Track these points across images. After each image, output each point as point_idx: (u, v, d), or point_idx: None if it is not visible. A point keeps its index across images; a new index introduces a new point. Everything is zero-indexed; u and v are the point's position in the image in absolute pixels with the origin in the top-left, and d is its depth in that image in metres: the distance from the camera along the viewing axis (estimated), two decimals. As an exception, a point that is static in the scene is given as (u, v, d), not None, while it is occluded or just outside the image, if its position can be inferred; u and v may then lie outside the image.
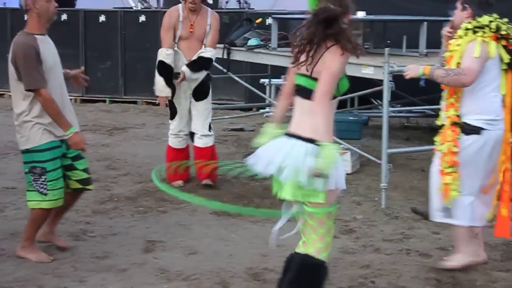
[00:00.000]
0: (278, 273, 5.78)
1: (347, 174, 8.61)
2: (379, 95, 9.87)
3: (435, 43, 9.23)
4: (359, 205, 7.64)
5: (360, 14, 9.21)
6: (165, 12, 12.90)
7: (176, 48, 8.19)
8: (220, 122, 11.31)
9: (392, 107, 8.37)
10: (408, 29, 9.39)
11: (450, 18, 6.31)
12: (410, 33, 9.27)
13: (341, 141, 8.93)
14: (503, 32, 5.78)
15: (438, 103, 9.61)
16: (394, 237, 6.73)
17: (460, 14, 6.03)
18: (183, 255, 6.26)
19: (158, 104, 8.49)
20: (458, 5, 6.04)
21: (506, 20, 5.87)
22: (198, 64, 8.07)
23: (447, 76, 5.73)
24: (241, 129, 11.58)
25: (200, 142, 8.30)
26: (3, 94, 14.67)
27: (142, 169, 9.00)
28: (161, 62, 8.08)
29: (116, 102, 13.81)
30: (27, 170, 6.09)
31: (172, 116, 8.40)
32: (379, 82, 7.99)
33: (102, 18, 13.66)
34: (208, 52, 8.08)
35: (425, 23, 9.10)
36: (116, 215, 7.32)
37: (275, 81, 11.72)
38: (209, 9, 8.41)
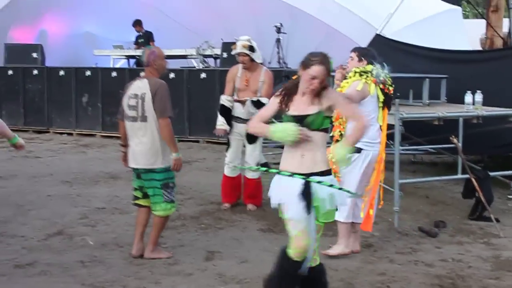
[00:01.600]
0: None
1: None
2: (391, 137, 9.84)
3: (435, 95, 9.23)
4: (376, 224, 7.54)
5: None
6: (221, 70, 13.07)
7: (235, 97, 8.23)
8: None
9: (402, 146, 8.31)
10: (414, 84, 9.36)
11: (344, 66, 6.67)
12: (415, 87, 9.23)
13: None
14: (381, 78, 6.31)
15: (439, 143, 9.63)
16: (405, 250, 6.67)
17: (356, 64, 6.44)
18: (237, 263, 6.24)
19: (217, 135, 8.47)
20: (355, 56, 6.46)
21: (386, 70, 6.41)
22: (256, 103, 8.02)
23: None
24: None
25: (248, 174, 8.30)
26: (95, 134, 14.82)
27: (203, 194, 9.02)
28: (222, 105, 8.15)
29: (182, 141, 13.86)
30: (159, 186, 6.18)
31: (227, 149, 8.41)
32: (391, 126, 7.94)
33: (172, 75, 13.75)
34: (264, 99, 8.05)
35: (427, 79, 9.07)
36: (183, 230, 7.33)
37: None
38: (264, 67, 8.37)
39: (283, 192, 4.61)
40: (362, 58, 6.44)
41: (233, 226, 7.51)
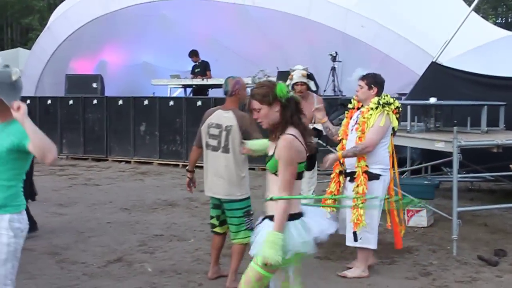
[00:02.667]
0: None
1: (423, 227, 8.58)
2: (448, 164, 9.73)
3: (493, 122, 9.10)
4: (434, 253, 7.47)
5: (432, 100, 9.13)
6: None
7: None
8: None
9: (459, 173, 8.21)
10: (472, 111, 9.25)
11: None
12: (473, 114, 9.13)
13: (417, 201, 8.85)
14: (398, 106, 6.51)
15: (496, 171, 9.48)
16: (464, 279, 6.55)
17: (366, 92, 6.58)
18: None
19: None
20: (364, 85, 6.58)
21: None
22: (314, 131, 8.02)
23: (355, 152, 6.47)
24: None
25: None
26: (153, 162, 15.00)
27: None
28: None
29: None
30: (241, 214, 6.29)
31: None
32: (449, 154, 7.86)
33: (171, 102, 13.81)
34: (319, 126, 8.06)
35: (485, 107, 8.96)
36: (244, 257, 7.33)
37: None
38: (315, 94, 8.40)
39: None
40: (372, 86, 6.60)
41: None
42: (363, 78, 6.68)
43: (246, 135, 5.96)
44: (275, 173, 4.25)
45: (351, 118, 6.79)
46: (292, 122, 4.27)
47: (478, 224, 8.90)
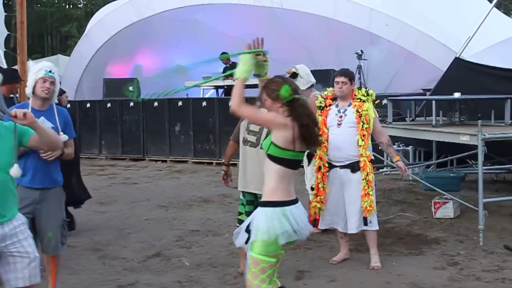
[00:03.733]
0: (400, 296, 5.71)
1: (450, 218, 8.51)
2: (473, 157, 9.63)
3: (517, 115, 8.99)
4: (461, 243, 7.40)
5: (457, 95, 9.04)
6: (305, 97, 13.01)
7: None
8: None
9: (484, 165, 8.12)
10: (495, 104, 9.14)
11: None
12: (497, 108, 9.02)
13: (444, 193, 8.78)
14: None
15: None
16: (491, 268, 6.47)
17: (350, 87, 6.61)
18: (326, 281, 6.19)
19: None
20: (347, 80, 6.58)
21: None
22: None
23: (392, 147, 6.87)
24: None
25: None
26: (187, 161, 15.06)
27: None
28: None
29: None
30: None
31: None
32: (474, 147, 7.77)
33: (259, 103, 13.83)
34: None
35: (509, 100, 8.84)
36: (273, 251, 7.33)
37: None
38: (314, 92, 8.13)
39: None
40: (352, 81, 6.69)
41: (321, 246, 7.47)
42: (343, 74, 6.63)
43: None
44: (267, 154, 4.28)
45: (326, 116, 6.67)
46: (298, 119, 4.25)
47: (504, 215, 8.79)
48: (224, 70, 17.47)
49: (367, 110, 6.52)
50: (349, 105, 6.60)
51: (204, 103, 15.16)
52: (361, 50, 14.90)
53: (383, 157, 10.86)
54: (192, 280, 6.31)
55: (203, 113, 14.97)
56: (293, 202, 4.31)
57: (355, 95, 6.62)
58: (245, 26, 17.78)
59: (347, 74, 6.66)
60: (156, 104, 15.78)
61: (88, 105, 16.82)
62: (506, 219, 8.56)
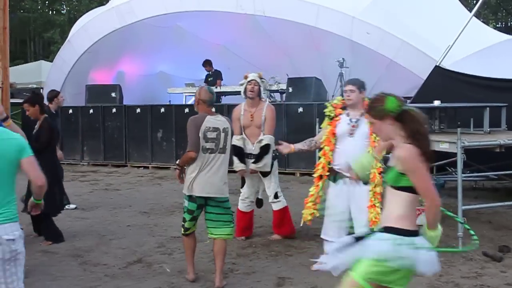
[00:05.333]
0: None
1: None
2: (453, 164, 9.69)
3: (495, 123, 9.06)
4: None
5: (436, 102, 9.11)
6: (287, 104, 13.11)
7: (243, 135, 8.12)
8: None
9: (463, 173, 8.18)
10: (474, 113, 9.21)
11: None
12: (476, 116, 9.09)
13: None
14: None
15: (499, 170, 9.42)
16: (470, 275, 6.52)
17: (359, 95, 6.46)
18: (306, 288, 6.22)
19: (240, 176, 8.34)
20: (355, 89, 6.44)
21: None
22: (259, 156, 7.94)
23: None
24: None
25: (272, 205, 8.26)
26: (169, 167, 15.00)
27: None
28: (233, 145, 7.66)
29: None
30: (230, 211, 6.45)
31: (242, 185, 8.33)
32: (453, 154, 7.82)
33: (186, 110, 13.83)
34: (265, 139, 7.97)
35: (488, 108, 8.92)
36: (254, 257, 7.34)
37: (371, 154, 11.60)
38: (267, 103, 8.34)
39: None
40: (361, 89, 6.53)
41: (302, 252, 7.48)
42: (352, 83, 6.56)
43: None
44: (394, 186, 4.01)
45: (335, 126, 6.60)
46: (414, 138, 3.98)
47: (483, 222, 8.86)
48: (206, 77, 17.51)
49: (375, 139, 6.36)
50: (361, 115, 6.43)
51: (186, 110, 15.10)
52: (343, 58, 14.97)
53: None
54: (173, 287, 6.30)
55: (186, 120, 14.73)
56: (418, 233, 4.04)
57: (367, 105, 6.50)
58: (227, 33, 17.84)
59: (355, 82, 6.57)
60: (138, 110, 15.74)
61: (71, 111, 16.71)
62: (485, 226, 8.62)
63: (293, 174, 13.52)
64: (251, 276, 6.61)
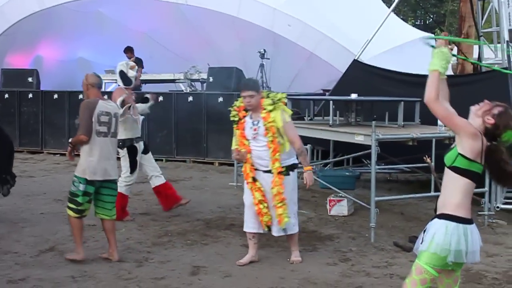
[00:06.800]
0: (292, 291, 5.78)
1: (344, 216, 8.70)
2: (368, 156, 9.87)
3: (409, 117, 9.28)
4: (353, 240, 7.57)
5: (353, 96, 9.25)
6: (208, 94, 13.05)
7: None
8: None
9: (378, 165, 8.34)
10: (389, 106, 9.40)
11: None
12: (391, 109, 9.27)
13: (339, 191, 8.97)
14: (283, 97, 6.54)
15: (413, 163, 9.65)
16: (381, 264, 6.65)
17: (258, 98, 6.39)
18: (221, 277, 6.20)
19: None
20: (254, 93, 6.35)
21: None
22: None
23: (306, 156, 6.78)
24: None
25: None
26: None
27: (190, 212, 8.95)
28: None
29: (170, 160, 13.84)
30: (116, 193, 6.77)
31: (132, 171, 8.53)
32: (368, 147, 7.97)
33: (161, 98, 13.77)
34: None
35: (402, 102, 9.11)
36: (170, 246, 7.28)
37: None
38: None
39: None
40: (258, 90, 6.46)
41: (217, 242, 7.47)
42: (249, 88, 6.41)
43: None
44: (452, 166, 3.99)
45: (243, 129, 6.53)
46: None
47: (395, 213, 9.06)
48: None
49: (273, 121, 6.33)
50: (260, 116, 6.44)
51: (105, 97, 14.87)
52: (264, 49, 15.03)
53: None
54: (85, 275, 6.18)
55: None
56: (472, 221, 4.04)
57: (262, 105, 6.41)
58: (150, 21, 17.64)
59: (252, 87, 6.44)
60: (56, 96, 15.37)
61: (-15, 95, 16.20)
62: (396, 217, 8.83)
63: (212, 163, 13.52)
64: (166, 264, 6.56)
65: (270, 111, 6.36)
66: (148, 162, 8.63)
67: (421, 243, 4.06)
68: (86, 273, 6.24)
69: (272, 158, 6.41)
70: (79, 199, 6.48)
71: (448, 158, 4.03)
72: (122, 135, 8.07)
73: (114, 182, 6.67)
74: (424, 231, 4.08)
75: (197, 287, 5.91)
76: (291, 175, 6.53)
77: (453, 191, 3.99)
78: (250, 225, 6.67)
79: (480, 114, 4.04)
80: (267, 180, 6.49)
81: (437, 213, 4.07)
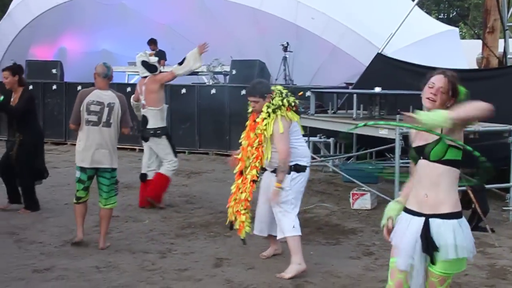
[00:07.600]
0: (316, 285, 5.76)
1: (367, 209, 8.68)
2: (391, 150, 9.84)
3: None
4: (377, 234, 7.54)
5: (377, 89, 9.21)
6: (230, 86, 13.05)
7: None
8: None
9: (402, 159, 8.31)
10: (414, 100, 9.33)
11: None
12: (415, 103, 9.20)
13: (363, 184, 8.94)
14: (292, 104, 6.14)
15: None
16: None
17: (261, 102, 6.13)
18: (243, 269, 6.22)
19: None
20: (257, 99, 6.13)
21: (286, 91, 6.29)
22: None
23: (284, 170, 6.04)
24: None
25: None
26: (135, 148, 14.60)
27: (213, 204, 8.99)
28: None
29: (193, 153, 13.87)
30: (114, 182, 6.88)
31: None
32: (391, 141, 7.94)
33: (183, 90, 13.80)
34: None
35: (427, 96, 9.05)
36: (193, 238, 7.32)
37: (312, 139, 11.66)
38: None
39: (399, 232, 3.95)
40: (265, 96, 6.12)
41: (240, 234, 7.49)
42: (251, 95, 6.19)
43: (127, 116, 6.89)
44: (443, 160, 3.78)
45: (254, 120, 6.35)
46: None
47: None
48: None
49: (264, 129, 6.09)
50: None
51: (128, 89, 14.90)
52: (287, 42, 14.99)
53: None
54: (110, 266, 6.23)
55: (127, 98, 14.76)
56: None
57: (262, 111, 6.16)
58: (173, 13, 17.66)
59: (256, 92, 6.17)
60: (79, 88, 15.41)
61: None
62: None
63: (207, 153, 13.60)
64: (189, 256, 6.60)
65: (265, 118, 6.09)
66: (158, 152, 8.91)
67: (438, 252, 3.73)
68: (111, 263, 6.29)
69: (252, 164, 6.21)
70: (76, 186, 6.84)
71: (435, 153, 3.77)
72: (159, 123, 8.75)
73: (108, 171, 6.77)
74: (425, 237, 3.75)
75: (221, 279, 5.93)
76: (291, 175, 6.12)
77: (450, 187, 3.78)
78: (257, 228, 6.58)
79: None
80: (272, 180, 6.21)
81: (435, 212, 3.76)
